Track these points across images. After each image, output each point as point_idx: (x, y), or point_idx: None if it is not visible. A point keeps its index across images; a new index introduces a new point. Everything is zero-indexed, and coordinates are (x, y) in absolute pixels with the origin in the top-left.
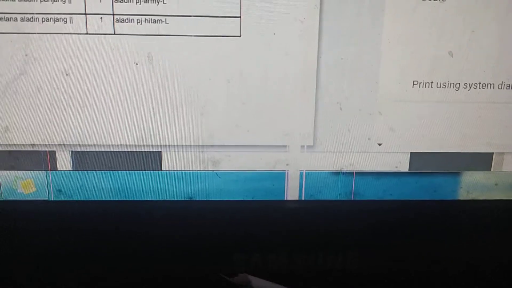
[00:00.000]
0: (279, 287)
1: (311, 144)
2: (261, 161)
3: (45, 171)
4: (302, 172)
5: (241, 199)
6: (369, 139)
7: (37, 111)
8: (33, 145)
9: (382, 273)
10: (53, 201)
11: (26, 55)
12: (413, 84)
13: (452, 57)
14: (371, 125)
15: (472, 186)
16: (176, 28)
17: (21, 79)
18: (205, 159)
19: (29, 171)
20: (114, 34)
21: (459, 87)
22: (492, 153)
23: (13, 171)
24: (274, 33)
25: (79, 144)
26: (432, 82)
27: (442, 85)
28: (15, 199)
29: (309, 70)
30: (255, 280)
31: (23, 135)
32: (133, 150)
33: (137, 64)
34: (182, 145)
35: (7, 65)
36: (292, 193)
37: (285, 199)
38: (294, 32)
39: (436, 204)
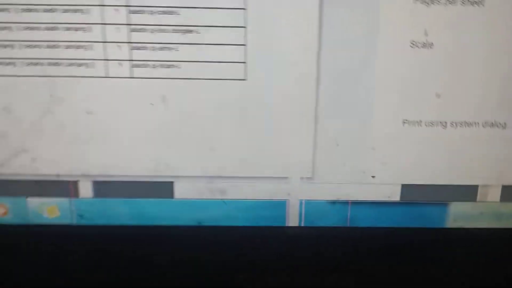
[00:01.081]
0: None
1: (310, 176)
2: (265, 191)
3: (68, 198)
4: (302, 201)
5: (246, 225)
6: (363, 172)
7: (62, 145)
8: (57, 175)
9: None
10: (75, 225)
11: (51, 96)
12: (403, 122)
13: (439, 98)
14: (365, 160)
15: (459, 215)
16: (187, 72)
17: (47, 117)
18: (213, 189)
19: (54, 198)
20: (132, 77)
21: (446, 125)
22: (477, 185)
23: (40, 198)
24: (277, 77)
25: (100, 175)
26: (420, 121)
27: (430, 124)
28: (40, 222)
29: (308, 110)
30: None
31: (49, 166)
32: (148, 180)
33: (152, 104)
34: (193, 176)
35: (34, 104)
36: (292, 220)
37: (286, 225)
38: (292, 75)
39: (425, 231)
